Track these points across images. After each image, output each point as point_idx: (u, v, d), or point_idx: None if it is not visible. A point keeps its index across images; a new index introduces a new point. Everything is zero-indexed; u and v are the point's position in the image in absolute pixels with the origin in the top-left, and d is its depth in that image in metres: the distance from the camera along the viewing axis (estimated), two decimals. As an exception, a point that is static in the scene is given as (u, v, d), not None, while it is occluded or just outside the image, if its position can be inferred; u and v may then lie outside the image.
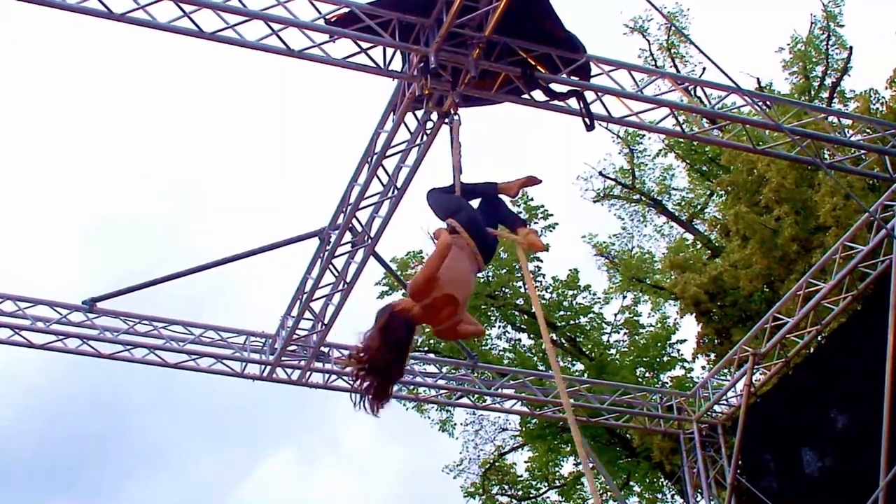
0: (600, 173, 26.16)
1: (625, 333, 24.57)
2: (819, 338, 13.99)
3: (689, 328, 30.76)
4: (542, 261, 24.02)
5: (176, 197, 42.88)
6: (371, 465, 40.19)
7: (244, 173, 41.30)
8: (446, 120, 9.39)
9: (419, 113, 10.07)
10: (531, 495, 24.87)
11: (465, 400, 14.88)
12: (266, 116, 41.33)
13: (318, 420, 44.85)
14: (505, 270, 23.38)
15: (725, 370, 15.26)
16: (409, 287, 6.78)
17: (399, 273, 21.94)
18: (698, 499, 14.95)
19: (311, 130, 41.35)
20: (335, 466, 42.54)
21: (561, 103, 10.07)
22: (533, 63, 9.75)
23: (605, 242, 26.27)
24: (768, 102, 11.49)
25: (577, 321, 24.13)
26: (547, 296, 24.10)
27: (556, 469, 24.84)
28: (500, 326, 23.60)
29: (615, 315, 24.78)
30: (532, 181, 8.43)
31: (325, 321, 12.52)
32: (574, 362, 23.52)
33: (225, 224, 41.08)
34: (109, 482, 40.91)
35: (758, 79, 23.67)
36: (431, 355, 19.87)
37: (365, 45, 9.38)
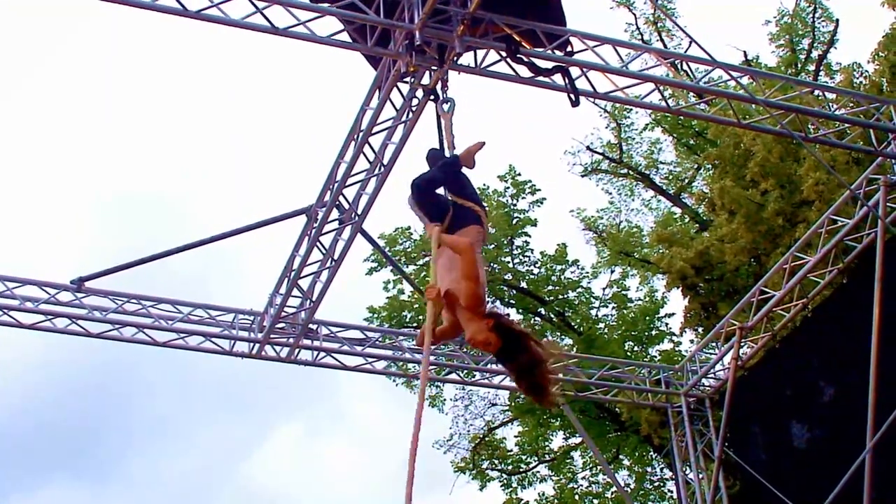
0: (588, 148, 26.16)
1: (613, 307, 24.63)
2: (805, 311, 14.04)
3: (676, 302, 30.82)
4: (530, 236, 24.09)
5: (170, 177, 42.87)
6: (378, 438, 40.29)
7: (234, 152, 41.26)
8: (431, 96, 9.40)
9: (405, 89, 10.09)
10: (521, 469, 24.95)
11: (453, 376, 14.93)
12: (251, 95, 41.29)
13: (323, 393, 45.03)
14: (493, 246, 23.41)
15: (713, 344, 15.33)
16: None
17: (387, 250, 21.95)
18: (687, 472, 15.04)
19: (297, 108, 41.31)
20: (342, 439, 42.68)
21: (546, 79, 10.07)
22: (517, 39, 9.76)
23: (592, 217, 26.31)
24: (753, 77, 11.55)
25: (565, 296, 24.19)
26: (535, 270, 24.16)
27: (546, 443, 24.94)
28: (488, 301, 23.55)
29: (603, 289, 24.87)
30: (479, 146, 8.34)
31: (314, 298, 12.55)
32: (563, 337, 23.57)
33: (218, 202, 41.16)
34: (115, 458, 41.16)
35: (745, 52, 23.69)
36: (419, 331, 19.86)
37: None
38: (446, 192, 7.75)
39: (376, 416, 40.16)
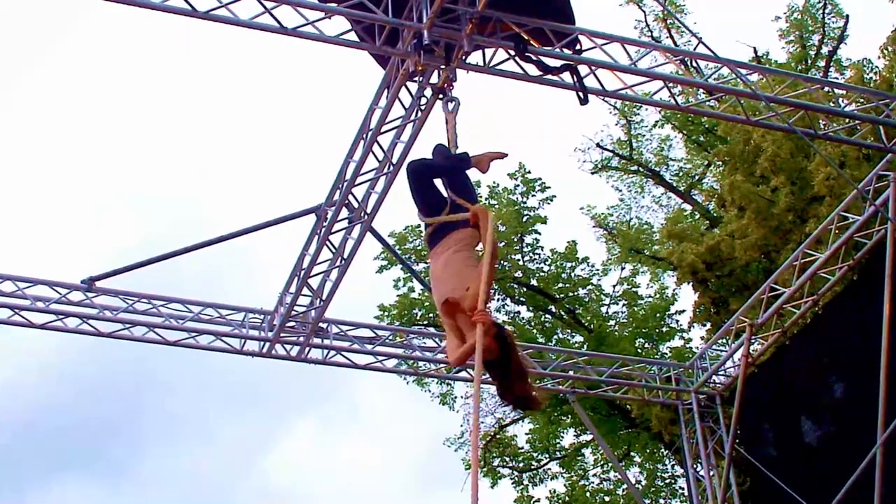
0: (598, 145, 26.12)
1: (623, 305, 24.60)
2: (816, 308, 14.02)
3: (687, 299, 30.80)
4: (540, 233, 24.07)
5: (180, 177, 42.96)
6: (393, 432, 40.30)
7: (243, 152, 41.32)
8: (440, 96, 9.41)
9: (413, 88, 10.10)
10: (532, 467, 24.97)
11: (464, 373, 14.93)
12: (260, 95, 41.35)
13: (338, 389, 45.10)
14: (503, 243, 23.40)
15: (723, 341, 15.31)
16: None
17: (396, 248, 21.95)
18: (698, 469, 15.05)
19: (306, 107, 41.36)
20: (357, 435, 42.71)
21: (555, 78, 10.07)
22: (526, 38, 9.77)
23: (603, 214, 26.28)
24: (763, 73, 11.55)
25: (575, 293, 24.15)
26: (545, 268, 24.14)
27: (557, 441, 24.95)
28: (498, 299, 23.64)
29: (614, 286, 24.81)
30: (500, 155, 8.40)
31: (323, 297, 12.57)
32: (573, 334, 23.57)
33: (228, 202, 41.23)
34: (130, 456, 41.26)
35: (755, 48, 23.65)
36: (431, 329, 19.90)
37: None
38: (446, 189, 7.77)
39: (392, 411, 40.21)
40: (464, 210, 7.45)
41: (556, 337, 23.45)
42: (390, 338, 14.14)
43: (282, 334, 13.11)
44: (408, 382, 24.12)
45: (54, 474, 40.27)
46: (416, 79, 9.81)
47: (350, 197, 11.34)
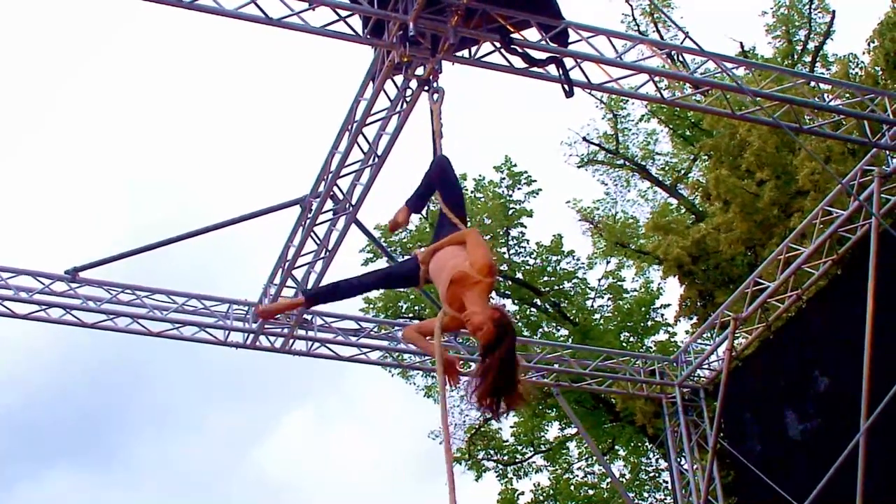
0: (584, 139, 26.15)
1: (609, 298, 24.65)
2: (800, 302, 14.04)
3: (672, 293, 30.88)
4: (525, 227, 24.09)
5: (166, 167, 42.91)
6: (387, 423, 40.35)
7: (230, 143, 41.30)
8: (426, 87, 9.39)
9: (399, 80, 10.07)
10: (517, 460, 24.99)
11: (448, 366, 14.88)
12: (246, 85, 41.30)
13: (332, 380, 45.10)
14: (489, 237, 23.41)
15: (707, 334, 15.33)
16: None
17: (381, 241, 21.91)
18: (681, 462, 15.06)
19: (291, 99, 41.30)
20: (352, 426, 42.77)
21: (540, 70, 10.05)
22: (512, 30, 9.75)
23: (588, 207, 26.31)
24: (748, 68, 11.57)
25: (561, 286, 24.19)
26: (531, 261, 24.16)
27: (542, 434, 24.98)
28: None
29: (599, 280, 24.88)
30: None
31: (308, 289, 12.54)
32: (558, 328, 23.60)
33: (214, 193, 41.19)
34: (122, 445, 41.26)
35: (741, 43, 23.68)
36: (415, 322, 19.86)
37: (343, 12, 9.38)
38: (438, 197, 7.60)
39: (387, 402, 40.29)
40: (453, 227, 7.28)
41: (541, 330, 23.48)
42: (375, 330, 14.12)
43: (266, 326, 13.10)
44: (392, 375, 24.11)
45: (45, 465, 40.29)
46: (402, 70, 9.78)
47: (335, 188, 11.31)
